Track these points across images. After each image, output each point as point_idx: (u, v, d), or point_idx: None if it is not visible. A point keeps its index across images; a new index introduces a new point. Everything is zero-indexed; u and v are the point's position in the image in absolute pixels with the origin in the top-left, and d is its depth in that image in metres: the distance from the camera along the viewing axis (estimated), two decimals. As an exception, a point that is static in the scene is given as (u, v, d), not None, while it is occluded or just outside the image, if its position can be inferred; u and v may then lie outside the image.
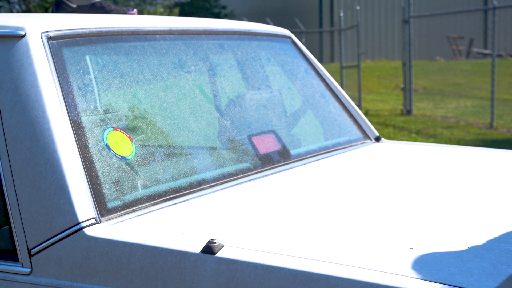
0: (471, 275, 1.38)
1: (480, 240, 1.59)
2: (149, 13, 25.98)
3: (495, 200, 1.95)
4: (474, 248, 1.53)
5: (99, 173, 1.76)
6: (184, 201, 1.91)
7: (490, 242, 1.58)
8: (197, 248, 1.54)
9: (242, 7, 29.89)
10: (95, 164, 1.77)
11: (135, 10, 3.16)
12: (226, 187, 2.06)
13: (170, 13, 27.52)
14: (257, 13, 26.49)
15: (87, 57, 1.95)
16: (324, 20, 24.48)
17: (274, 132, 2.44)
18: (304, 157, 2.47)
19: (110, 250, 1.61)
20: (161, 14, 25.36)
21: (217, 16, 30.24)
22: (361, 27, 15.32)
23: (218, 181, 2.07)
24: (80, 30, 1.97)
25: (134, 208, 1.79)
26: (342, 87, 14.11)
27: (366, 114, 11.50)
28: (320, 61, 22.70)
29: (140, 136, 1.96)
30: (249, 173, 2.19)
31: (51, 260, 1.66)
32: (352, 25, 15.35)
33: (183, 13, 29.91)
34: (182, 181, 1.96)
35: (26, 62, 1.78)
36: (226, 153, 2.20)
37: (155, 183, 1.89)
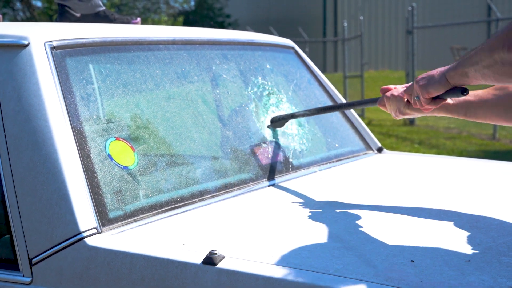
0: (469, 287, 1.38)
1: (480, 253, 1.58)
2: (153, 22, 26.05)
3: (496, 212, 1.95)
4: (474, 261, 1.53)
5: (101, 183, 1.77)
6: (185, 211, 1.91)
7: (490, 255, 1.57)
8: (198, 259, 1.54)
9: (246, 16, 29.95)
10: (97, 173, 1.77)
11: (138, 19, 3.16)
12: (228, 198, 2.06)
13: (174, 22, 27.58)
14: (261, 22, 26.54)
15: (90, 67, 1.96)
16: (328, 29, 24.52)
17: (276, 142, 2.44)
18: (306, 167, 2.48)
19: (111, 260, 1.61)
20: (165, 22, 25.43)
21: (221, 25, 30.30)
22: (364, 37, 15.33)
23: (220, 191, 2.07)
24: (83, 40, 1.98)
25: (135, 218, 1.79)
26: (345, 97, 14.11)
27: (369, 124, 11.50)
28: (324, 70, 22.71)
29: (143, 146, 1.96)
30: (251, 183, 2.19)
31: (52, 270, 1.66)
32: (356, 35, 15.38)
33: (187, 22, 29.98)
34: (184, 191, 1.97)
35: (29, 71, 1.78)
36: (228, 163, 2.20)
37: (157, 193, 1.90)
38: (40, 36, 1.86)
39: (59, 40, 1.90)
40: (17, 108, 1.76)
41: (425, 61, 19.26)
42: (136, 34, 2.20)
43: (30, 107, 1.75)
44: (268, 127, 2.45)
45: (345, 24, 15.44)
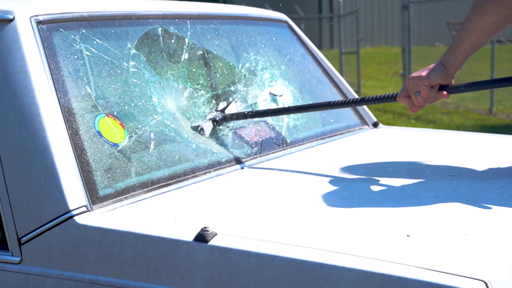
0: (468, 263, 1.35)
1: (477, 227, 1.56)
2: None
3: (494, 185, 1.92)
4: (472, 235, 1.50)
5: (90, 160, 1.73)
6: (177, 188, 1.88)
7: (487, 228, 1.55)
8: (189, 236, 1.51)
9: (241, -7, 29.72)
10: (86, 151, 1.73)
11: (129, -5, 3.11)
12: (221, 174, 2.03)
13: None
14: (256, -1, 26.35)
15: (78, 42, 1.91)
16: (323, 6, 24.35)
17: (270, 118, 2.40)
18: (301, 143, 2.44)
19: (102, 238, 1.58)
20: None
21: (215, 1, 30.09)
22: (360, 13, 15.23)
23: (213, 168, 2.04)
24: (71, 14, 1.93)
25: (126, 195, 1.76)
26: (341, 73, 14.06)
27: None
28: (320, 47, 22.56)
29: (133, 122, 1.92)
30: (244, 160, 2.16)
31: (42, 249, 1.63)
32: (352, 10, 15.29)
33: (182, -1, 29.75)
34: (176, 168, 1.93)
35: (15, 47, 1.74)
36: (221, 139, 2.16)
37: (147, 170, 1.86)
38: (25, 10, 1.81)
39: (46, 14, 1.85)
40: (3, 84, 1.72)
41: (421, 36, 19.19)
42: (126, 8, 2.15)
43: (16, 84, 1.71)
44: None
45: (341, 0, 15.32)
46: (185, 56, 2.26)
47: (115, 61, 1.99)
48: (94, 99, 1.86)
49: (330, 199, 1.81)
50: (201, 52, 2.35)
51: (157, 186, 1.85)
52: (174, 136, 2.01)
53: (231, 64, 2.44)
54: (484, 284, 1.29)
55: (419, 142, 2.64)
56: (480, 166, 2.18)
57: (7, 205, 1.67)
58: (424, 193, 1.85)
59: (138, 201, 1.76)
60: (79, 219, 1.61)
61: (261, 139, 2.29)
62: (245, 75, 2.45)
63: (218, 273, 1.46)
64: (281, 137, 2.38)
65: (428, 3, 15.60)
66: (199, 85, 2.24)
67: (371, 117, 2.91)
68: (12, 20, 1.77)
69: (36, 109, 1.68)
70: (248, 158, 2.18)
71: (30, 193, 1.65)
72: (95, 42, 1.96)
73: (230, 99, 2.32)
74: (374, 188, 1.92)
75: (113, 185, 1.75)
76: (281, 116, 2.45)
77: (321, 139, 2.55)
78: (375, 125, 2.90)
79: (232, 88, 2.38)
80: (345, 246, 1.44)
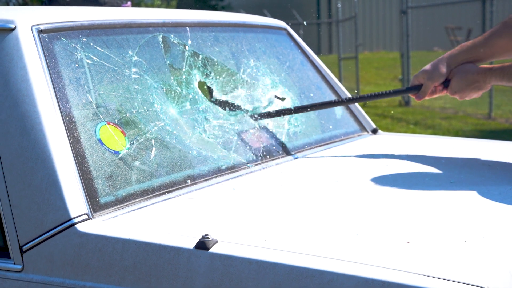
0: (468, 269, 1.36)
1: (477, 233, 1.57)
2: (146, 6, 25.86)
3: (493, 192, 1.93)
4: (472, 241, 1.51)
5: (92, 168, 1.74)
6: (178, 195, 1.88)
7: (487, 235, 1.56)
8: (190, 243, 1.52)
9: (239, -1, 29.75)
10: (87, 159, 1.74)
11: (129, 2, 3.12)
12: (221, 181, 2.04)
13: (168, 6, 27.40)
14: (254, 5, 26.40)
15: (79, 51, 1.92)
16: (322, 11, 24.41)
17: (270, 125, 2.41)
18: (300, 150, 2.45)
19: (103, 246, 1.59)
20: (158, 7, 25.25)
21: (214, 8, 30.12)
22: (358, 18, 15.25)
23: (213, 175, 2.04)
24: (72, 23, 1.95)
25: (127, 203, 1.77)
26: (340, 78, 14.07)
27: (364, 105, 11.47)
28: (318, 52, 22.62)
29: (134, 130, 1.93)
30: (244, 167, 2.17)
31: (43, 257, 1.64)
32: (350, 16, 15.31)
33: (181, 6, 29.78)
34: (176, 176, 1.94)
35: (16, 55, 1.75)
36: (221, 147, 2.17)
37: (148, 178, 1.87)
38: (27, 20, 1.82)
39: (47, 23, 1.86)
40: (4, 93, 1.73)
41: (420, 41, 19.21)
42: (126, 17, 2.17)
43: (18, 92, 1.72)
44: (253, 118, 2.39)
45: (339, 5, 15.36)
46: (185, 63, 2.27)
47: (116, 69, 2.00)
48: (95, 107, 1.87)
49: (330, 206, 1.82)
50: (201, 60, 2.36)
51: (158, 193, 1.85)
52: (175, 143, 2.02)
53: (231, 71, 2.45)
54: (483, 290, 1.30)
55: (418, 149, 2.65)
56: (479, 173, 2.19)
57: (9, 213, 1.68)
58: (423, 200, 1.86)
59: (139, 208, 1.77)
60: (80, 227, 1.62)
61: (261, 146, 2.30)
62: (245, 82, 2.46)
63: (219, 281, 1.47)
64: (281, 143, 2.39)
65: (426, 8, 15.62)
66: (199, 92, 2.25)
67: (370, 124, 2.92)
68: (13, 29, 1.78)
69: (38, 117, 1.69)
70: (247, 166, 2.18)
71: (31, 201, 1.66)
72: (96, 50, 1.97)
73: (231, 105, 2.35)
74: (374, 195, 1.93)
75: (114, 192, 1.76)
76: (281, 123, 2.46)
77: (320, 145, 2.56)
78: (374, 131, 2.91)
79: (232, 95, 2.39)
80: (346, 253, 1.44)
